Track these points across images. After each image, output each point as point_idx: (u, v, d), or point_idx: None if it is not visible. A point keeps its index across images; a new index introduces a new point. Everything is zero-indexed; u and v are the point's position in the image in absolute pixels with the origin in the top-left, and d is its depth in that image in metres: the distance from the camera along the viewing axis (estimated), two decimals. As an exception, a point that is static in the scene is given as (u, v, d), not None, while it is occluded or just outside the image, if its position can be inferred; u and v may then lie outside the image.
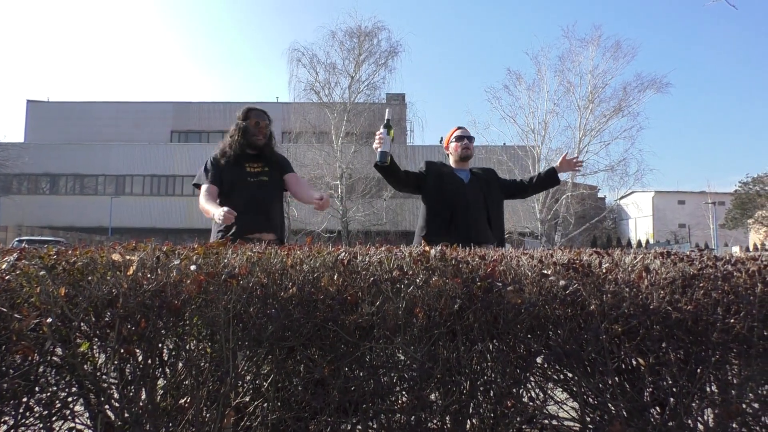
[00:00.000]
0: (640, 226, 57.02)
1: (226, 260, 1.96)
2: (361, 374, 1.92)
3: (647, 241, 49.33)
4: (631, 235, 56.39)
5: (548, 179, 3.99)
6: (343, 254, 2.02)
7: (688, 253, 2.23)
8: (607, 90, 24.62)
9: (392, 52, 26.54)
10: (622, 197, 26.86)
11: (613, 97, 24.00)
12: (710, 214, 44.54)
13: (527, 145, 24.54)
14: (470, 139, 3.96)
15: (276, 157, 3.79)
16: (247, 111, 3.71)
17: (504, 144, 26.21)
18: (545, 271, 1.93)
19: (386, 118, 3.61)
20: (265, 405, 1.91)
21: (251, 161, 3.66)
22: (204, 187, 3.56)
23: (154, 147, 41.86)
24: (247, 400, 1.96)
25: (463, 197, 3.74)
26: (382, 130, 3.51)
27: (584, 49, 24.46)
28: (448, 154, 4.07)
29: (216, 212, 3.21)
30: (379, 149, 3.48)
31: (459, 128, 4.04)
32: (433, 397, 1.96)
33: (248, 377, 1.98)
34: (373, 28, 26.32)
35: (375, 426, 1.92)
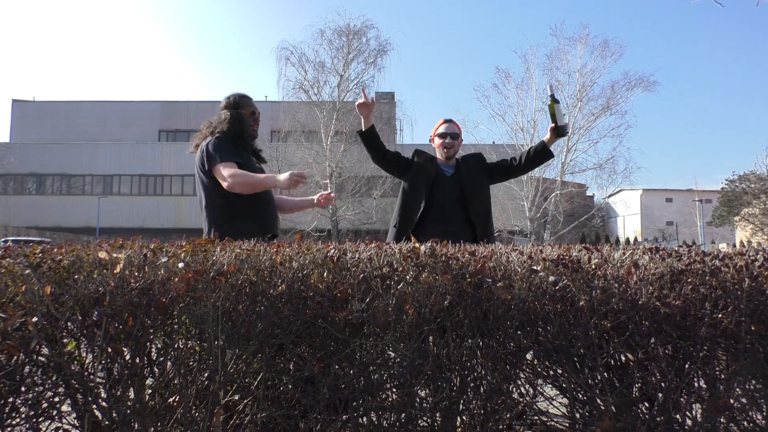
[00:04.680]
0: (629, 224, 57.40)
1: (214, 258, 1.95)
2: (351, 371, 1.91)
3: (635, 239, 49.68)
4: (620, 232, 56.77)
5: (540, 154, 3.82)
6: (332, 251, 2.02)
7: (676, 248, 2.24)
8: (595, 88, 24.86)
9: (381, 51, 26.59)
10: (611, 195, 27.12)
11: (601, 95, 24.24)
12: (697, 212, 44.92)
13: (516, 143, 24.63)
14: (453, 136, 3.82)
15: (259, 149, 3.56)
16: (239, 99, 3.37)
17: (493, 142, 26.32)
18: (535, 267, 1.93)
19: (550, 94, 3.76)
20: (255, 403, 1.90)
21: (255, 156, 3.42)
22: (231, 169, 3.13)
23: (141, 146, 41.54)
24: (237, 398, 1.94)
25: (439, 192, 3.65)
26: (556, 108, 3.67)
27: (572, 47, 24.67)
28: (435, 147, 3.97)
29: (278, 178, 3.02)
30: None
31: (444, 122, 3.90)
32: (423, 393, 1.96)
33: (237, 375, 1.97)
34: (362, 27, 26.35)
35: (365, 423, 1.91)
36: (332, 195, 3.56)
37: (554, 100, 3.68)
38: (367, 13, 64.54)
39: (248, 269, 1.91)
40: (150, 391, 1.90)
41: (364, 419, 1.92)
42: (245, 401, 1.93)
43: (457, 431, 1.97)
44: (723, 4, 4.53)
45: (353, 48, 26.23)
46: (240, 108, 3.36)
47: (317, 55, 26.43)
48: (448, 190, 3.67)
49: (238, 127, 3.32)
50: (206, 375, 1.84)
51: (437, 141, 3.86)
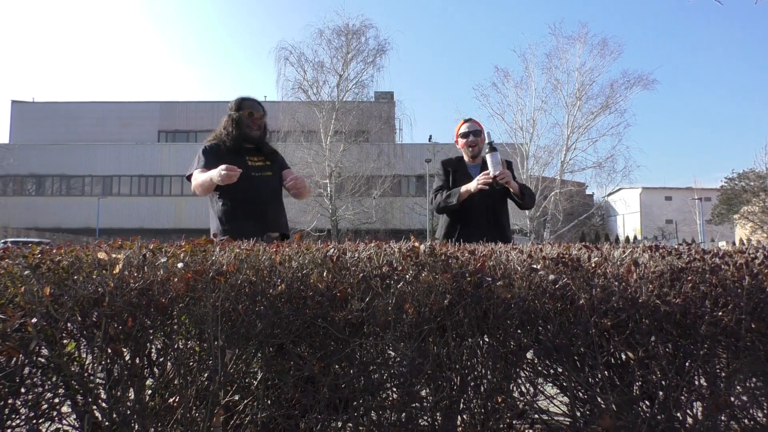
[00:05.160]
0: (628, 223, 57.45)
1: (213, 257, 1.94)
2: (351, 371, 1.91)
3: (635, 237, 49.70)
4: (619, 231, 56.81)
5: (517, 204, 3.79)
6: (332, 250, 2.01)
7: (676, 246, 2.24)
8: (595, 87, 24.84)
9: (380, 50, 26.59)
10: (610, 194, 27.09)
11: (600, 94, 24.20)
12: (697, 210, 44.95)
13: (516, 142, 24.61)
14: (476, 134, 3.81)
15: (273, 150, 3.63)
16: (240, 101, 3.50)
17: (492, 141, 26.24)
18: (535, 266, 1.93)
19: (487, 141, 3.65)
20: (255, 403, 1.90)
21: (252, 154, 3.46)
22: (196, 172, 3.31)
23: (141, 147, 41.55)
24: (237, 398, 1.94)
25: (469, 198, 3.66)
26: (489, 158, 3.57)
27: (571, 46, 24.63)
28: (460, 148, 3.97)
29: (213, 173, 3.01)
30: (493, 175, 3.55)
31: (465, 121, 3.89)
32: (423, 393, 1.95)
33: (237, 375, 1.96)
34: (361, 27, 26.34)
35: (365, 423, 1.91)
36: (296, 180, 3.46)
37: (490, 148, 3.61)
38: (365, 12, 64.71)
39: (247, 269, 1.90)
40: (150, 391, 1.90)
41: (365, 419, 1.92)
42: (245, 401, 1.93)
43: (457, 430, 1.97)
44: (722, 2, 4.51)
45: (352, 48, 26.23)
46: (241, 110, 3.47)
47: (316, 54, 26.45)
48: (475, 197, 3.68)
49: (235, 132, 3.43)
50: (206, 375, 1.84)
51: (461, 141, 3.87)
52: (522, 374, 2.00)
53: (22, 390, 1.82)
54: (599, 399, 1.85)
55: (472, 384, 1.94)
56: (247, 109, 3.47)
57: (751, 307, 1.77)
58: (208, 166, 3.26)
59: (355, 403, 1.90)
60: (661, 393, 1.82)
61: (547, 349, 1.86)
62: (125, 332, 1.80)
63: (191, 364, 1.89)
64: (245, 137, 3.45)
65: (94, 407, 1.84)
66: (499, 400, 1.92)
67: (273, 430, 1.89)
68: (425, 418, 1.95)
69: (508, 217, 3.86)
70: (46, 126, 43.46)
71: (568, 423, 1.94)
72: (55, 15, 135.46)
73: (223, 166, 3.01)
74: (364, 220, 27.49)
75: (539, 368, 2.00)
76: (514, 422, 2.01)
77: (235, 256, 1.95)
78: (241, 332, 1.84)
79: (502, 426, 1.92)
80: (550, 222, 24.45)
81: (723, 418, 1.83)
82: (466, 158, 3.90)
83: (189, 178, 3.40)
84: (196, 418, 1.84)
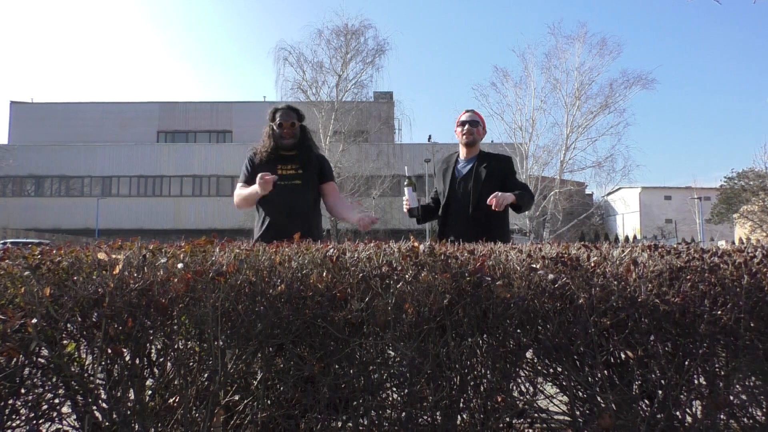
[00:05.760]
0: (628, 222, 57.43)
1: (213, 258, 1.95)
2: (351, 371, 1.91)
3: (634, 237, 49.70)
4: (619, 230, 56.78)
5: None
6: (331, 251, 2.02)
7: (675, 245, 2.24)
8: (594, 86, 24.87)
9: (379, 51, 26.53)
10: (610, 193, 27.06)
11: (600, 93, 24.14)
12: (696, 210, 44.93)
13: (515, 142, 24.61)
14: (473, 123, 3.79)
15: (314, 158, 3.65)
16: (273, 112, 3.62)
17: (492, 141, 26.22)
18: (534, 266, 1.93)
19: (407, 176, 3.89)
20: (255, 403, 1.90)
21: (284, 163, 3.54)
22: (237, 186, 3.60)
23: (140, 147, 41.52)
24: (237, 398, 1.94)
25: (452, 194, 3.72)
26: (406, 191, 3.87)
27: (570, 46, 24.58)
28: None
29: (253, 188, 3.31)
30: (407, 208, 3.87)
31: (466, 111, 3.90)
32: (423, 392, 1.96)
33: (237, 375, 1.97)
34: (360, 27, 26.29)
35: (365, 423, 1.92)
36: (375, 220, 3.67)
37: (408, 182, 3.88)
38: (365, 12, 64.50)
39: (247, 269, 1.91)
40: (150, 391, 1.90)
41: (365, 418, 1.92)
42: (245, 401, 1.93)
43: (457, 430, 1.97)
44: (721, 2, 4.52)
45: (351, 48, 26.19)
46: (273, 121, 3.61)
47: (315, 55, 26.39)
48: (461, 190, 3.72)
49: (269, 141, 3.60)
50: (206, 375, 1.84)
51: (458, 130, 3.90)
52: (521, 374, 2.01)
53: (23, 391, 1.82)
54: (599, 398, 1.86)
55: (472, 383, 1.94)
56: (276, 120, 3.58)
57: (749, 306, 1.77)
58: (248, 181, 3.54)
59: (355, 403, 1.90)
60: (660, 392, 1.83)
61: (547, 349, 1.86)
62: (125, 333, 1.80)
63: (191, 364, 1.90)
64: (280, 147, 3.56)
65: (94, 408, 1.84)
66: (499, 399, 1.92)
67: (273, 430, 1.90)
68: (425, 417, 1.95)
69: (502, 216, 3.74)
70: (45, 127, 43.41)
71: (567, 422, 1.94)
72: (54, 15, 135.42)
73: (258, 177, 3.25)
74: (364, 221, 27.42)
75: (539, 368, 2.01)
76: (513, 421, 2.01)
77: (235, 256, 1.95)
78: (241, 332, 1.84)
79: (501, 425, 1.93)
80: (549, 221, 24.44)
81: (722, 416, 1.84)
82: (461, 151, 3.90)
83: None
84: (196, 419, 1.84)
